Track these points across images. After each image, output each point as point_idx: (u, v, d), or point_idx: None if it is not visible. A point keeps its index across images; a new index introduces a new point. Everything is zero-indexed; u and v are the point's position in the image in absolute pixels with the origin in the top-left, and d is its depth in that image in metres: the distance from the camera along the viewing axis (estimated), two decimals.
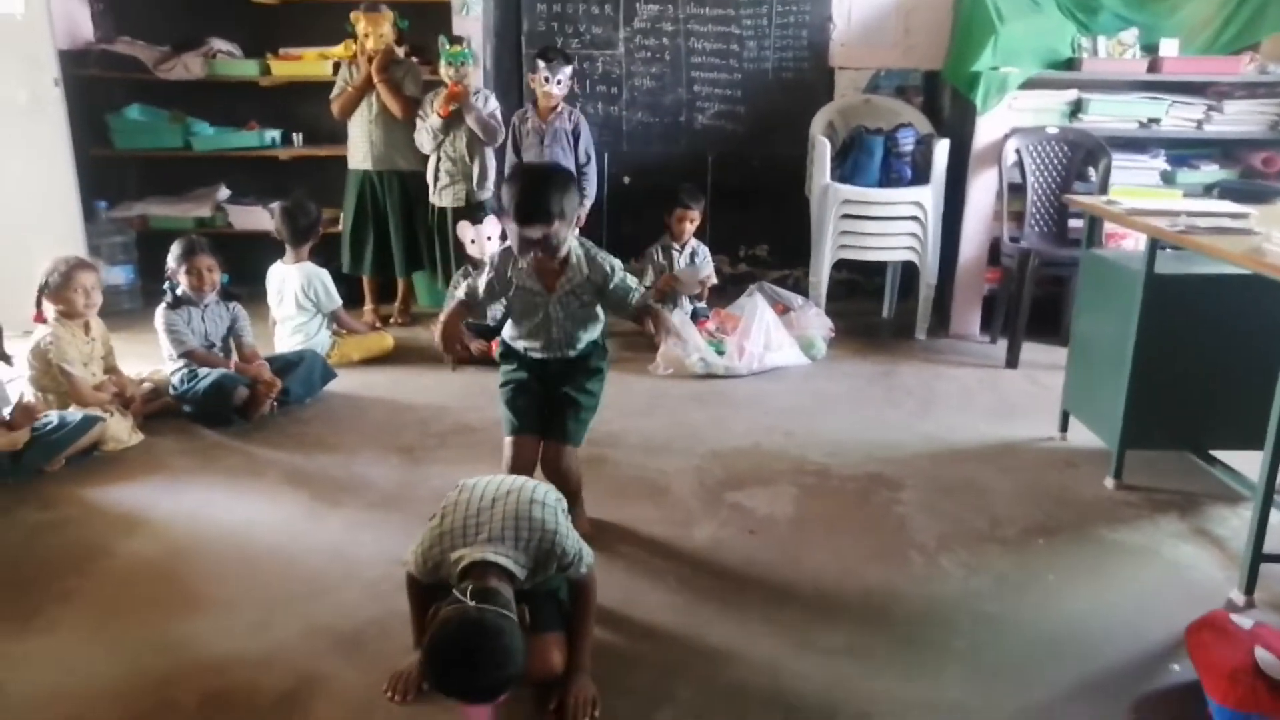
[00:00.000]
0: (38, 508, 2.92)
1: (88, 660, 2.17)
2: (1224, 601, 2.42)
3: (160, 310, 3.65)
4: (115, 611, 2.38)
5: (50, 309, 3.46)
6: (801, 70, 5.19)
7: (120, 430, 3.35)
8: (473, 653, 1.71)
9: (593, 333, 2.64)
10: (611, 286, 2.53)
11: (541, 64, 4.46)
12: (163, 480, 3.14)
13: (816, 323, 4.51)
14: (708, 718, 1.99)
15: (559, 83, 4.45)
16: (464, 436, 3.46)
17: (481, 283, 2.58)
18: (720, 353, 4.19)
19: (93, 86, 4.99)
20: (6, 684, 2.08)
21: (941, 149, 4.50)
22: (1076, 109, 4.46)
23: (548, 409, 2.61)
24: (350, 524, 2.84)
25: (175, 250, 3.69)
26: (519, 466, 2.50)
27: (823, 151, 4.54)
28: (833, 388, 4.04)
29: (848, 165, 4.65)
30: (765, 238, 5.46)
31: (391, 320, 4.86)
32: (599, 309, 2.61)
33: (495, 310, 3.27)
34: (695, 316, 4.50)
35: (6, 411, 3.17)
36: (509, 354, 2.70)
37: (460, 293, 2.67)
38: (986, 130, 4.49)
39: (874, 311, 5.19)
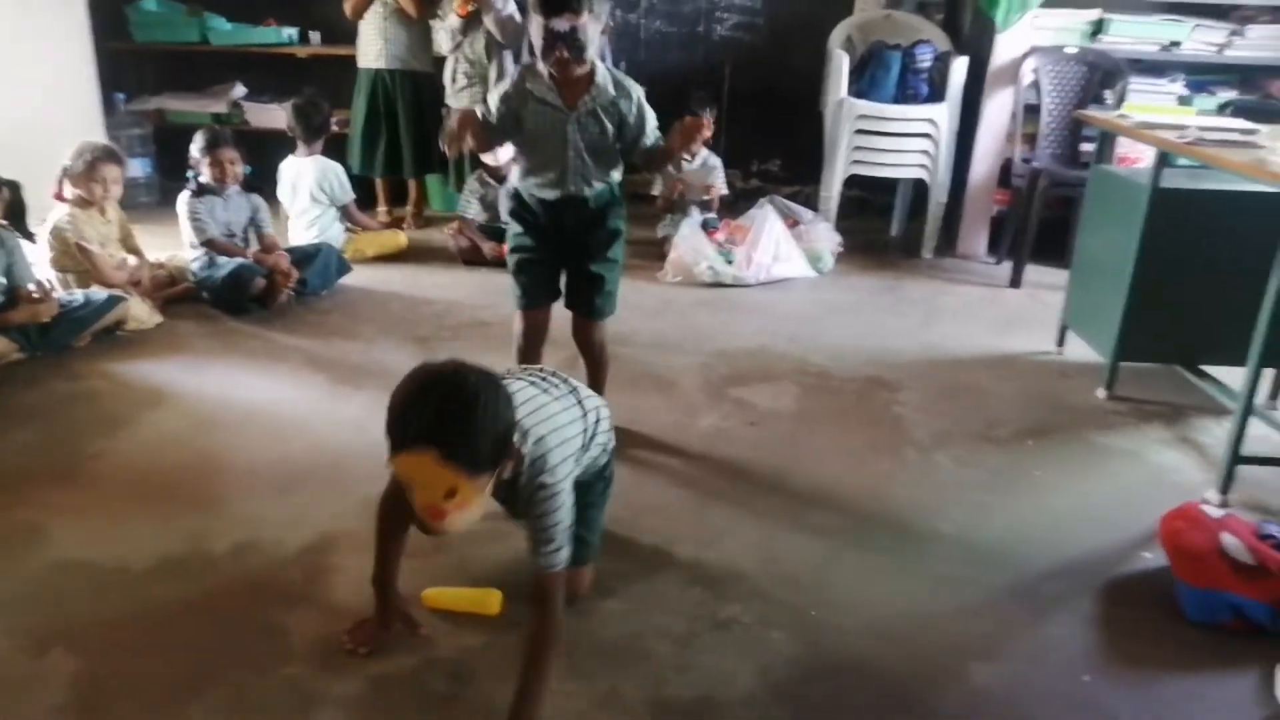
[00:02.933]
0: (67, 379, 3.04)
1: (124, 511, 2.31)
2: (1200, 500, 2.54)
3: (183, 197, 3.72)
4: (147, 472, 2.51)
5: (70, 190, 3.53)
6: None
7: (141, 311, 3.46)
8: (452, 389, 1.50)
9: (610, 175, 2.48)
10: (633, 118, 2.39)
11: None
12: (185, 360, 3.25)
13: (825, 237, 4.56)
14: (703, 580, 2.12)
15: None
16: (478, 330, 3.56)
17: (496, 94, 2.43)
18: (729, 262, 4.26)
19: None
20: (53, 529, 2.22)
21: (959, 66, 4.50)
22: (1097, 29, 4.44)
23: (571, 282, 2.54)
24: (371, 404, 2.93)
25: (199, 141, 3.74)
26: (529, 339, 2.56)
27: (839, 65, 4.54)
28: (838, 298, 4.13)
29: (864, 80, 4.65)
30: (778, 152, 5.48)
31: (404, 224, 4.92)
32: (618, 153, 2.46)
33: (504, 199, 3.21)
34: (705, 227, 4.55)
35: (31, 286, 3.26)
36: (519, 210, 2.53)
37: (479, 109, 2.45)
38: (1005, 49, 4.48)
39: (883, 230, 5.23)
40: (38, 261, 3.46)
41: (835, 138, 4.60)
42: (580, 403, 1.88)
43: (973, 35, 4.81)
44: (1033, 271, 4.39)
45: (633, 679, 1.81)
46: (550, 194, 2.45)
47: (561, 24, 2.22)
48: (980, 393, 3.18)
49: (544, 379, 1.89)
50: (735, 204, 4.98)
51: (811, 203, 4.93)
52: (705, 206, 4.69)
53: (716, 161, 4.75)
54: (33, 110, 4.41)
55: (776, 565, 2.19)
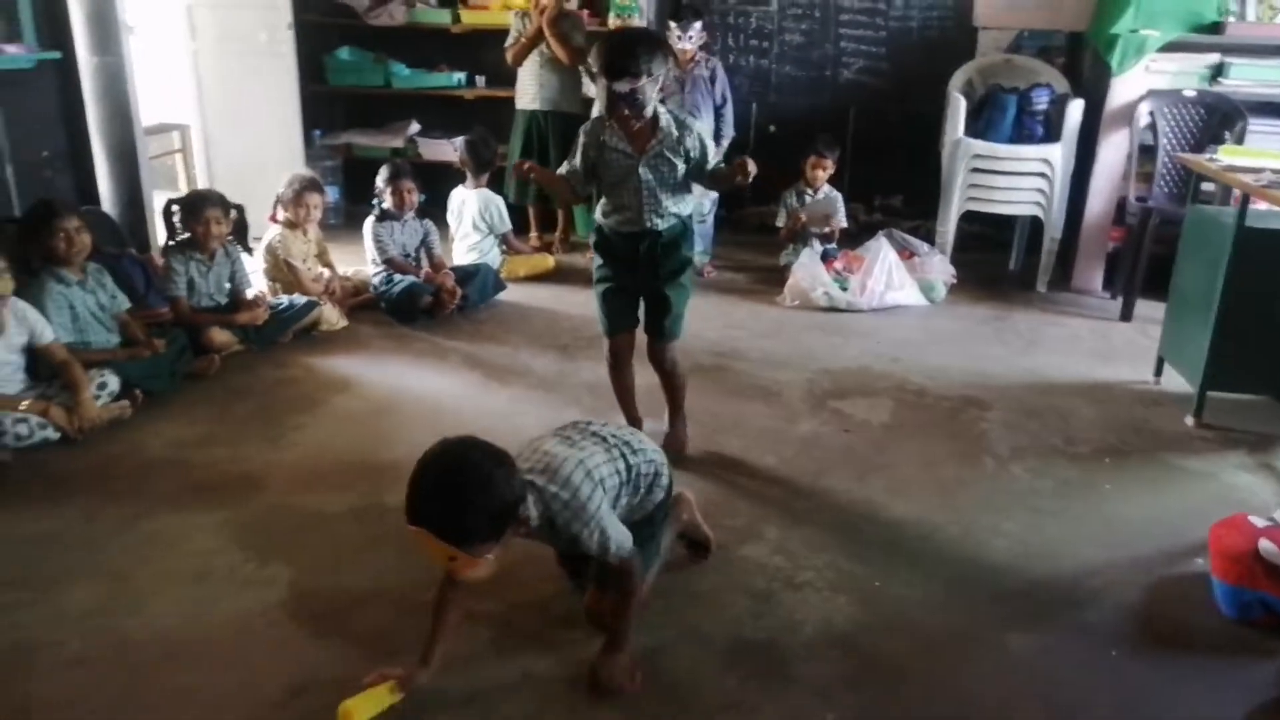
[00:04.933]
0: (274, 367, 3.69)
1: (319, 470, 2.88)
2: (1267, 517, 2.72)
3: (369, 222, 4.37)
4: (336, 441, 3.09)
5: (281, 214, 4.23)
6: (945, 29, 5.44)
7: (332, 316, 4.10)
8: (445, 474, 1.75)
9: (681, 207, 2.78)
10: (696, 151, 2.70)
11: (673, 24, 4.85)
12: (365, 356, 3.86)
13: (939, 269, 4.83)
14: (784, 551, 2.49)
15: (690, 37, 4.81)
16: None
17: (577, 151, 2.75)
18: (844, 289, 4.59)
19: (313, 30, 5.77)
20: (267, 480, 2.81)
21: (1075, 108, 4.70)
22: (1217, 72, 4.56)
23: (645, 304, 2.85)
24: (515, 398, 3.47)
25: (384, 173, 4.39)
26: (617, 361, 2.94)
27: (957, 107, 4.82)
28: (945, 326, 4.39)
29: (981, 121, 4.91)
30: (900, 189, 5.76)
31: (552, 248, 5.47)
32: (688, 183, 2.76)
33: None
34: (825, 257, 4.90)
35: (250, 293, 3.96)
36: (600, 243, 2.86)
37: (561, 170, 2.82)
38: (1121, 91, 4.65)
39: (1000, 264, 5.42)
40: (254, 272, 4.16)
41: (951, 175, 4.88)
42: (625, 455, 2.07)
43: (1091, 78, 5.00)
44: (1145, 307, 4.51)
45: (714, 621, 2.21)
46: (628, 229, 2.77)
47: (623, 86, 2.52)
48: (1066, 414, 3.41)
49: (581, 435, 2.08)
50: (857, 236, 5.29)
51: (930, 237, 5.19)
52: (826, 238, 5.04)
53: (837, 196, 5.09)
54: (251, 145, 5.22)
55: (851, 546, 2.54)
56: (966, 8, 5.38)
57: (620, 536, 1.94)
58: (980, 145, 4.80)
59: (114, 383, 3.18)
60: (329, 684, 1.94)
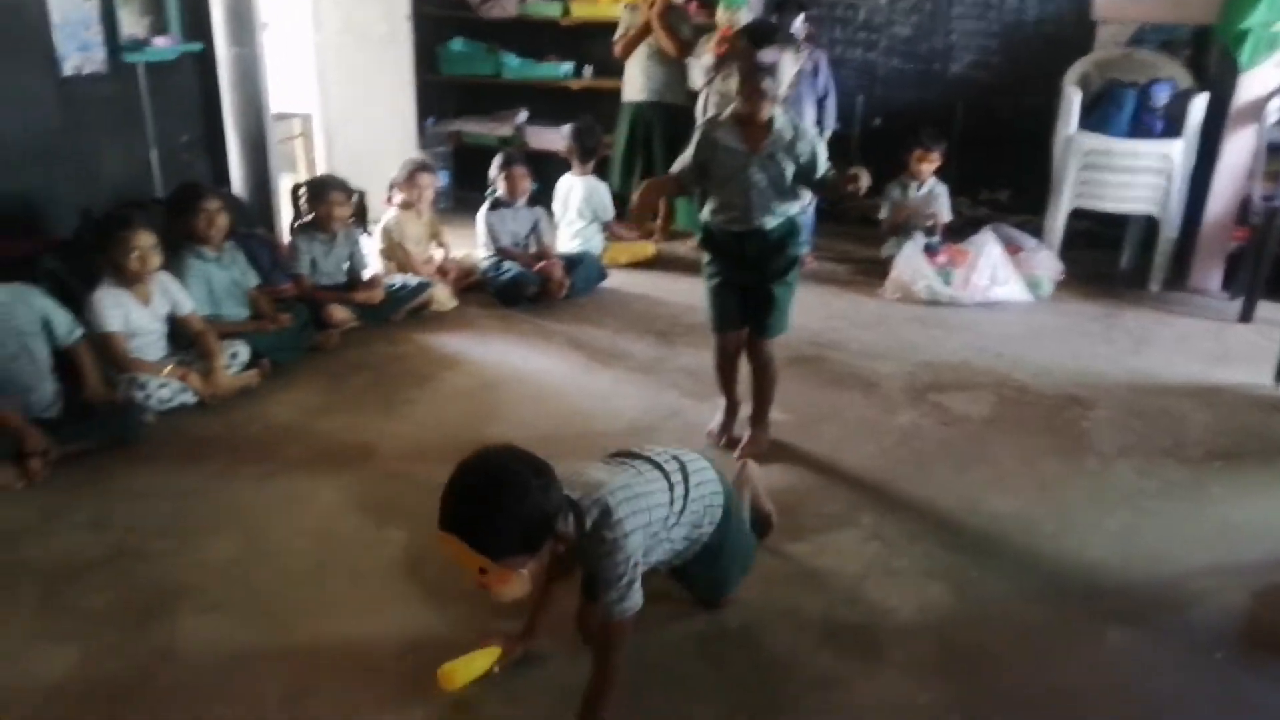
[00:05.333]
0: (387, 344, 3.88)
1: (429, 440, 3.02)
2: None
3: (482, 210, 4.53)
4: (445, 414, 3.24)
5: (396, 196, 4.42)
6: (1061, 23, 5.29)
7: (443, 296, 4.27)
8: (480, 479, 1.70)
9: (789, 208, 2.80)
10: (806, 158, 2.71)
11: (775, 17, 4.86)
12: (473, 335, 4.01)
13: (1046, 264, 4.73)
14: (881, 538, 2.52)
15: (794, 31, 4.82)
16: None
17: (690, 149, 2.82)
18: (947, 283, 4.55)
19: (429, 22, 5.97)
20: (382, 447, 2.97)
21: (1198, 104, 4.54)
22: None
23: (751, 301, 2.87)
24: (616, 380, 3.57)
25: (497, 161, 4.55)
26: (724, 356, 3.00)
27: (1070, 101, 4.71)
28: (1051, 322, 4.31)
29: (1096, 116, 4.78)
30: (1007, 183, 5.65)
31: (653, 236, 5.55)
32: (797, 187, 2.77)
33: None
34: (928, 250, 4.85)
35: (367, 274, 4.16)
36: (708, 241, 2.91)
37: (674, 168, 2.89)
38: (1250, 87, 4.47)
39: (1112, 262, 5.25)
40: (371, 253, 4.36)
41: (1062, 171, 4.77)
42: (673, 486, 1.99)
43: (1218, 74, 4.81)
44: (1267, 309, 4.36)
45: (810, 602, 2.26)
46: (736, 227, 2.81)
47: (769, 55, 2.58)
48: (1177, 416, 3.33)
49: (637, 462, 2.03)
50: (961, 230, 5.21)
51: (1038, 232, 5.09)
52: (929, 231, 4.98)
53: (942, 189, 5.03)
54: (371, 131, 5.46)
55: (947, 535, 2.56)
56: (1085, 1, 5.23)
57: (634, 596, 1.82)
58: (1094, 140, 4.68)
59: (245, 353, 3.40)
60: (440, 642, 2.06)
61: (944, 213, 4.99)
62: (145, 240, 3.10)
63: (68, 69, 3.61)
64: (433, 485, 2.74)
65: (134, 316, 3.13)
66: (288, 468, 2.83)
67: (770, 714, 1.90)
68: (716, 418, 3.11)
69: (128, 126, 3.98)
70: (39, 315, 2.88)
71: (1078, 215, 4.92)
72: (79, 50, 3.64)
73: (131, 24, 3.89)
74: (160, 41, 3.97)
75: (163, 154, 4.16)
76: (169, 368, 3.16)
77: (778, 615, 2.20)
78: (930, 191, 5.01)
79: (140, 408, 3.01)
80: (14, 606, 2.18)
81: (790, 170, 2.74)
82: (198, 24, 4.23)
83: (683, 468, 2.04)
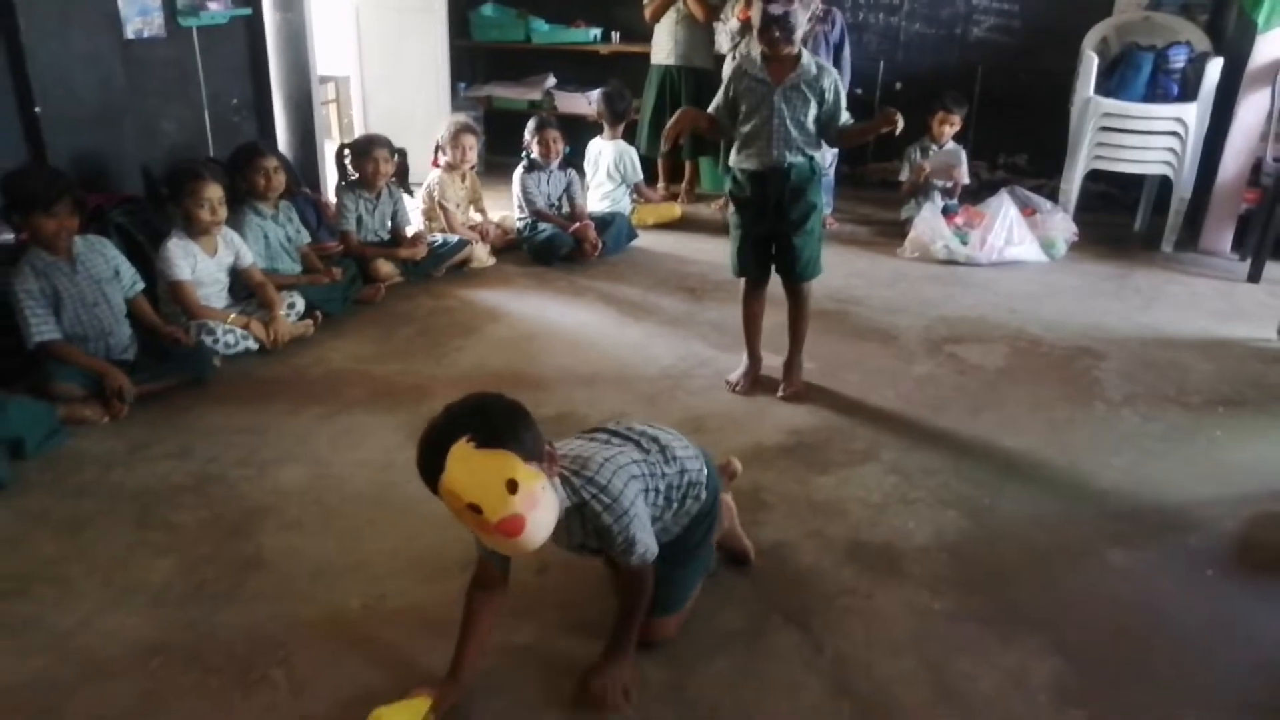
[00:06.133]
0: (432, 297, 4.09)
1: (479, 385, 3.20)
2: None
3: (518, 172, 4.71)
4: (490, 360, 3.45)
5: (441, 158, 4.61)
6: None
7: (481, 254, 4.48)
8: (478, 395, 1.70)
9: (809, 150, 2.94)
10: (828, 97, 2.87)
11: None
12: (511, 291, 4.21)
13: (1061, 226, 4.88)
14: (899, 471, 2.72)
15: None
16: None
17: (723, 88, 2.99)
18: (964, 243, 4.71)
19: None
20: (433, 391, 3.18)
21: (1213, 67, 4.66)
22: None
23: (776, 250, 3.06)
24: (647, 332, 3.77)
25: (531, 125, 4.72)
26: (748, 299, 3.20)
27: (1088, 65, 4.83)
28: (1064, 281, 4.47)
29: (1113, 80, 4.90)
30: (1025, 148, 5.77)
31: (679, 198, 5.72)
32: (818, 136, 2.93)
33: None
34: (945, 211, 5.00)
35: (409, 231, 4.35)
36: (734, 191, 3.08)
37: (709, 109, 3.04)
38: (1265, 50, 4.58)
39: (1126, 224, 5.41)
40: (413, 211, 4.56)
41: (1079, 133, 4.90)
42: (660, 463, 1.92)
43: (1234, 37, 4.92)
44: (1275, 269, 4.51)
45: (834, 526, 2.47)
46: (756, 164, 2.94)
47: (777, 8, 2.75)
48: (1182, 367, 3.50)
49: (613, 436, 1.98)
50: (978, 193, 5.36)
51: (1054, 195, 5.22)
52: (948, 193, 5.13)
53: (960, 150, 5.16)
54: (405, 95, 5.64)
55: (961, 470, 2.75)
56: None
57: (649, 542, 1.82)
58: (1111, 104, 4.81)
59: (301, 304, 3.61)
60: None
61: (962, 175, 5.13)
62: (214, 193, 3.31)
63: (130, 32, 3.80)
64: None
65: (201, 267, 3.35)
66: (348, 407, 3.06)
67: (800, 615, 2.11)
68: (739, 368, 3.30)
69: (183, 88, 4.17)
70: (113, 265, 3.10)
71: (1094, 178, 5.06)
72: (140, 14, 3.82)
73: None
74: (213, 6, 4.15)
75: (214, 115, 4.35)
76: (233, 315, 3.37)
77: (804, 536, 2.41)
78: (949, 150, 5.13)
79: (209, 351, 3.23)
80: (115, 523, 2.41)
81: (813, 108, 2.89)
82: None
83: (657, 441, 1.97)
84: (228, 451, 2.77)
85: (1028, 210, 4.93)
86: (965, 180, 5.16)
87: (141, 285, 3.21)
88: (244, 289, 3.55)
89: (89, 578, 2.20)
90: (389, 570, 2.26)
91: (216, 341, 3.28)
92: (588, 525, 1.78)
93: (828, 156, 5.05)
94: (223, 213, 3.36)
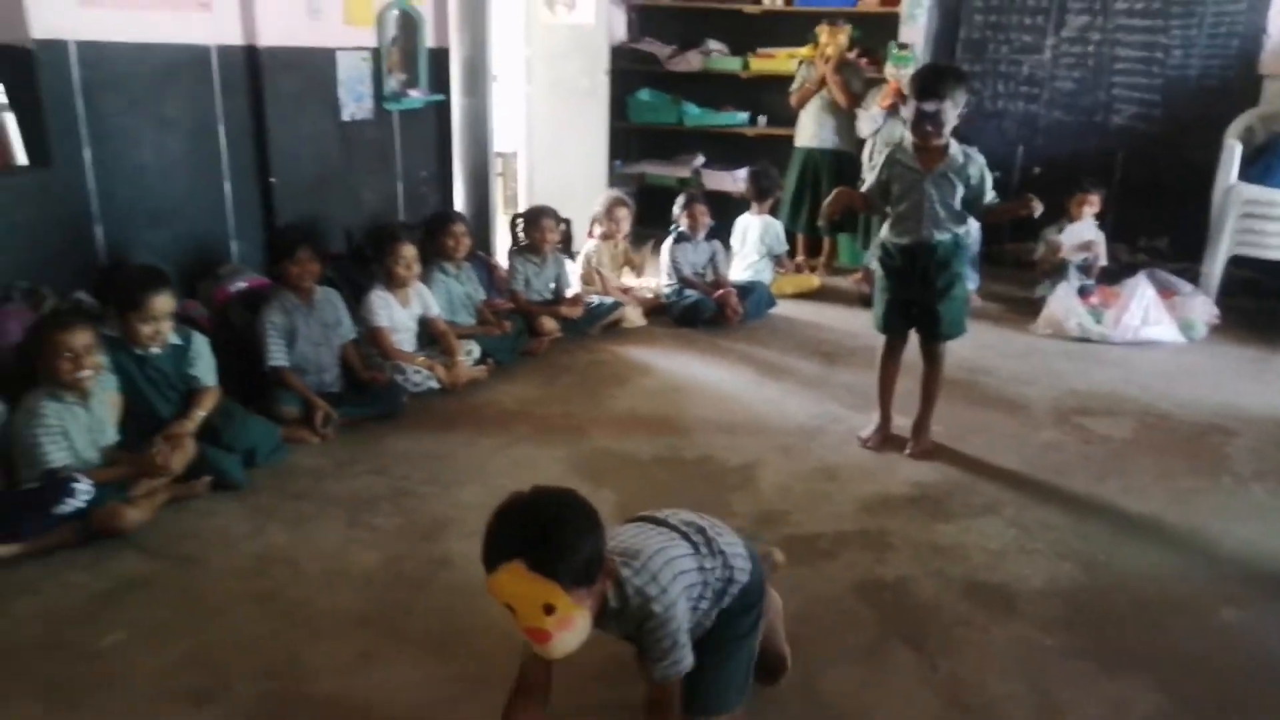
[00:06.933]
0: (587, 352, 4.52)
1: (629, 430, 3.61)
2: None
3: (667, 243, 5.15)
4: (641, 408, 3.83)
5: (597, 229, 5.09)
6: (1226, 77, 5.50)
7: (633, 315, 4.90)
8: (545, 502, 1.68)
9: (956, 229, 3.21)
10: (974, 181, 3.14)
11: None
12: (659, 349, 4.60)
13: (1201, 308, 4.93)
14: (1019, 525, 2.91)
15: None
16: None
17: (876, 171, 3.28)
18: (1098, 321, 4.82)
19: (622, 75, 6.70)
20: (590, 431, 3.57)
21: None
22: None
23: (919, 314, 3.29)
24: (784, 390, 4.07)
25: (680, 200, 5.17)
26: (886, 354, 3.46)
27: (1231, 153, 4.93)
28: (1201, 362, 4.53)
29: (1258, 167, 4.98)
30: (1166, 232, 5.83)
31: (816, 271, 6.03)
32: (964, 214, 3.19)
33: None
34: (1082, 292, 5.13)
35: (569, 292, 4.83)
36: (884, 257, 3.34)
37: (863, 188, 3.38)
38: None
39: (1273, 310, 5.37)
40: (572, 275, 5.05)
41: (1220, 219, 4.98)
42: (704, 553, 1.90)
43: None
44: None
45: (954, 567, 2.68)
46: (907, 240, 3.24)
47: (929, 105, 3.05)
48: None
49: (665, 525, 1.94)
50: (1118, 275, 5.43)
51: (1196, 279, 5.26)
52: (1085, 273, 5.26)
53: (1099, 235, 5.30)
54: (567, 170, 6.21)
55: (1081, 528, 2.92)
56: (1252, 56, 5.42)
57: (685, 652, 1.78)
58: (1254, 190, 4.88)
59: (477, 351, 4.10)
60: None
61: (1100, 257, 5.25)
62: (409, 252, 3.86)
63: (345, 115, 4.45)
64: (636, 459, 3.35)
65: (397, 315, 3.87)
66: (518, 440, 3.48)
67: (917, 639, 2.34)
68: (871, 425, 3.55)
69: (383, 163, 4.81)
70: (338, 313, 3.66)
71: (1239, 263, 5.08)
72: (355, 100, 4.48)
73: (392, 79, 4.72)
74: (414, 93, 4.79)
75: (406, 186, 4.97)
76: (421, 359, 3.88)
77: (925, 574, 2.64)
78: (1087, 227, 5.25)
79: (400, 389, 3.72)
80: (329, 522, 2.87)
81: (959, 192, 3.17)
82: (441, 78, 5.05)
83: (704, 533, 1.94)
84: (417, 471, 3.21)
85: (1167, 292, 5.00)
86: (1103, 262, 5.28)
87: (355, 334, 3.75)
88: (428, 337, 4.06)
89: (311, 563, 2.65)
90: None
91: (406, 380, 3.77)
92: (632, 620, 1.77)
93: (974, 232, 5.31)
94: (416, 269, 3.90)
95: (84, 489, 2.65)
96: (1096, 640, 2.37)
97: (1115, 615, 2.48)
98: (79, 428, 2.80)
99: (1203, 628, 2.43)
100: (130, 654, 2.26)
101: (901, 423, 3.53)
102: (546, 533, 1.62)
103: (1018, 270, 5.88)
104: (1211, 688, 2.21)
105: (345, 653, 2.27)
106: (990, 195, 3.23)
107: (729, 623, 1.94)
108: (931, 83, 3.10)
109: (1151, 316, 4.79)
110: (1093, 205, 5.26)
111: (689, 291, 5.02)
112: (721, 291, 4.99)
